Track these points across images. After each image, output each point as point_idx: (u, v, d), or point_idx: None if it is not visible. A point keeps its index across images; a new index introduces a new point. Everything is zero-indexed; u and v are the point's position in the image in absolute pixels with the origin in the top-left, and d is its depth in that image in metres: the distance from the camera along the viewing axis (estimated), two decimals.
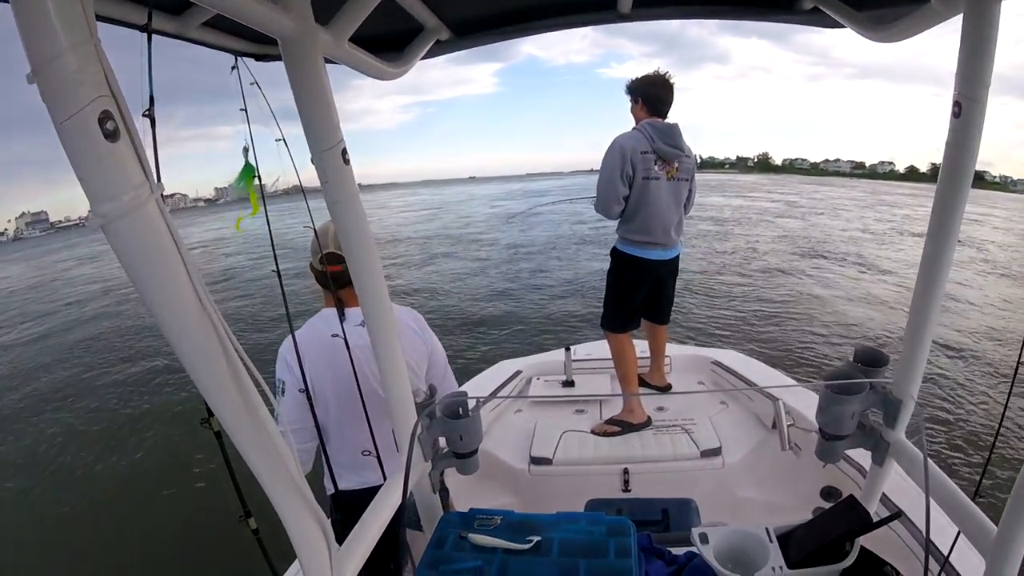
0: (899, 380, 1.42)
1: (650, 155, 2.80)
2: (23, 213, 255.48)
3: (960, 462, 4.63)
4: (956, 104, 1.14)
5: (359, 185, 1.20)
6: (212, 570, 3.76)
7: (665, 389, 3.30)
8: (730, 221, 23.66)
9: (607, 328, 3.09)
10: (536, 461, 2.70)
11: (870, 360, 1.51)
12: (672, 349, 3.58)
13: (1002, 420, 1.58)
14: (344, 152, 1.14)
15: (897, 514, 1.43)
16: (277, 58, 1.46)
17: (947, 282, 1.30)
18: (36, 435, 6.54)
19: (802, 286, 11.73)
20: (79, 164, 0.60)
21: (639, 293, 3.04)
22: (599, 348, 3.58)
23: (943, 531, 1.30)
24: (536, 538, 1.28)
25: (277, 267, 1.37)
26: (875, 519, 1.38)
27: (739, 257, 15.18)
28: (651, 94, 2.88)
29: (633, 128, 2.90)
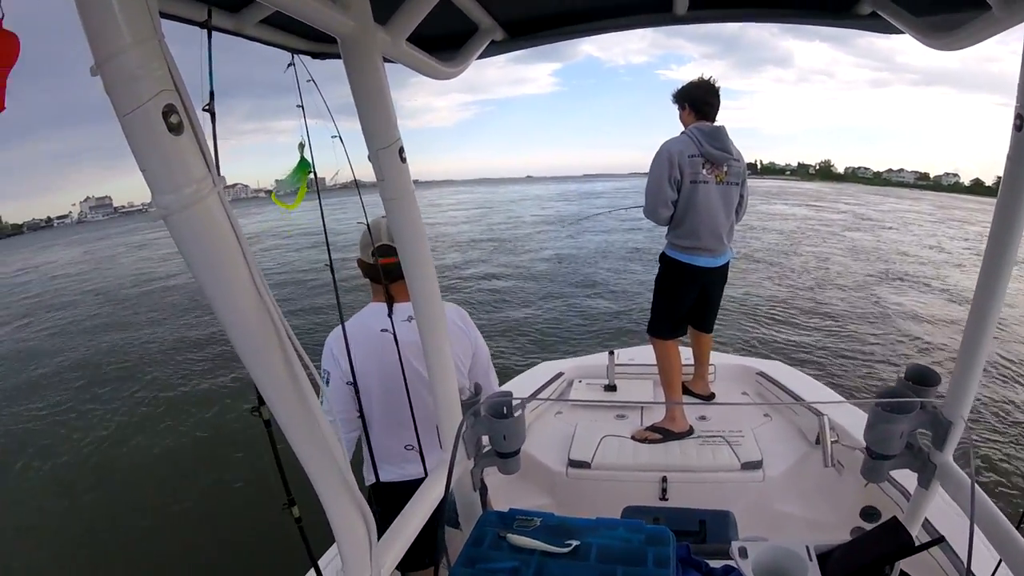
0: (950, 401, 1.36)
1: (698, 159, 2.78)
2: (87, 197, 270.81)
3: (1004, 489, 4.50)
4: (1018, 117, 1.09)
5: (415, 181, 1.21)
6: (252, 555, 3.86)
7: (708, 398, 3.25)
8: (797, 233, 22.36)
9: (653, 334, 3.06)
10: (574, 464, 2.69)
11: (921, 379, 1.45)
12: (717, 358, 3.53)
13: None
14: (401, 150, 1.16)
15: (939, 539, 1.39)
16: (334, 56, 1.48)
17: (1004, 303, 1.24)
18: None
19: (885, 318, 10.25)
20: (142, 156, 0.62)
21: (687, 300, 3.01)
22: (642, 353, 3.57)
23: (984, 560, 1.26)
24: (575, 542, 1.27)
25: (330, 259, 1.40)
26: (917, 543, 1.34)
27: (810, 278, 13.74)
28: (698, 99, 2.88)
29: (681, 133, 2.89)
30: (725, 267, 3.05)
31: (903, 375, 1.49)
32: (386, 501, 1.74)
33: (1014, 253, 1.19)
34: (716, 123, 2.89)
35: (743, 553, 1.35)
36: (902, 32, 1.42)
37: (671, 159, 2.77)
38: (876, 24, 1.49)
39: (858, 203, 42.42)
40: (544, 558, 1.24)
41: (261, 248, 22.53)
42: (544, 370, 3.64)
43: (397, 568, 1.15)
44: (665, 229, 3.02)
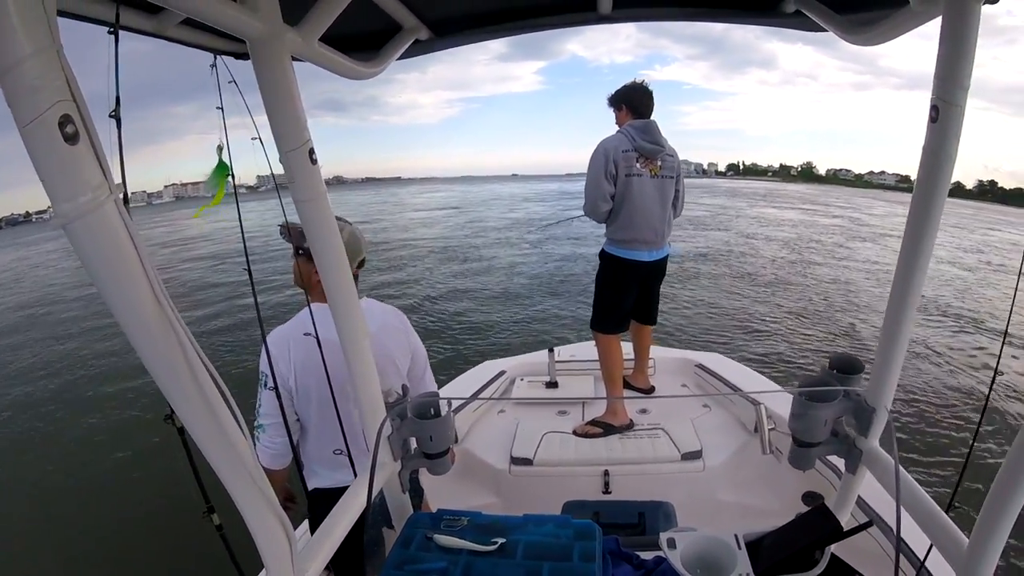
0: (873, 388, 1.41)
1: (632, 153, 2.87)
2: None
3: (937, 477, 4.60)
4: (933, 108, 1.12)
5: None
6: (181, 563, 3.75)
7: (648, 391, 3.33)
8: (798, 244, 19.25)
9: (596, 329, 3.12)
10: (517, 461, 2.71)
11: (846, 367, 1.49)
12: (656, 351, 3.60)
13: (976, 434, 1.54)
14: (311, 152, 1.15)
15: (867, 524, 1.41)
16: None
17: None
18: None
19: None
20: (40, 165, 0.62)
21: (628, 295, 3.08)
22: (583, 350, 3.62)
23: (918, 543, 1.31)
24: (501, 540, 1.28)
25: (249, 266, 1.39)
26: (848, 527, 1.38)
27: (846, 320, 10.02)
28: (633, 100, 2.99)
29: (616, 131, 2.98)
30: (663, 261, 3.13)
31: (828, 365, 1.53)
32: (319, 508, 1.72)
33: (932, 242, 1.23)
34: (648, 119, 2.98)
35: (671, 544, 1.37)
36: (825, 30, 1.46)
37: (607, 154, 2.87)
38: (799, 22, 1.53)
39: (849, 207, 41.33)
40: (472, 557, 1.25)
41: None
42: (487, 368, 3.66)
43: (334, 572, 1.14)
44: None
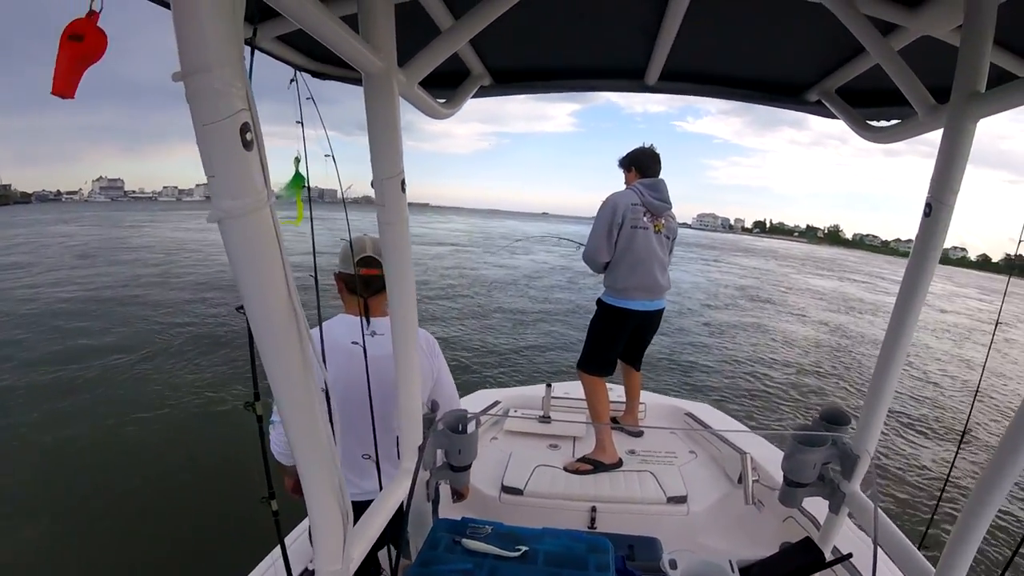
0: (858, 436, 1.58)
1: (639, 207, 3.04)
2: (100, 177, 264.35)
3: (914, 517, 4.97)
4: (928, 205, 1.34)
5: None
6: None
7: (638, 434, 3.42)
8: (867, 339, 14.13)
9: (582, 369, 3.22)
10: (507, 490, 2.77)
11: (834, 418, 1.66)
12: (648, 397, 3.71)
13: (948, 477, 1.68)
14: (403, 182, 1.27)
15: (848, 555, 1.60)
16: (334, 78, 1.64)
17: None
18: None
19: None
20: (214, 163, 0.68)
21: (619, 342, 3.20)
22: (578, 388, 3.66)
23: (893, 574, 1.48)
24: (523, 548, 1.36)
25: (316, 271, 1.46)
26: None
27: None
28: (642, 163, 3.19)
29: (626, 187, 3.17)
30: (660, 313, 3.28)
31: (818, 415, 1.70)
32: None
33: (918, 311, 1.44)
34: (657, 178, 3.16)
35: (673, 564, 1.49)
36: (838, 118, 1.72)
37: (615, 207, 3.03)
38: (819, 110, 1.77)
39: (894, 274, 38.91)
40: (496, 562, 1.33)
41: None
42: (481, 398, 3.74)
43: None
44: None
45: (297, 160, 1.42)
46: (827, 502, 1.67)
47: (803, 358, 11.43)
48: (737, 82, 1.85)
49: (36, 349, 8.69)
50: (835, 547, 1.76)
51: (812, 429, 1.64)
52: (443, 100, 1.66)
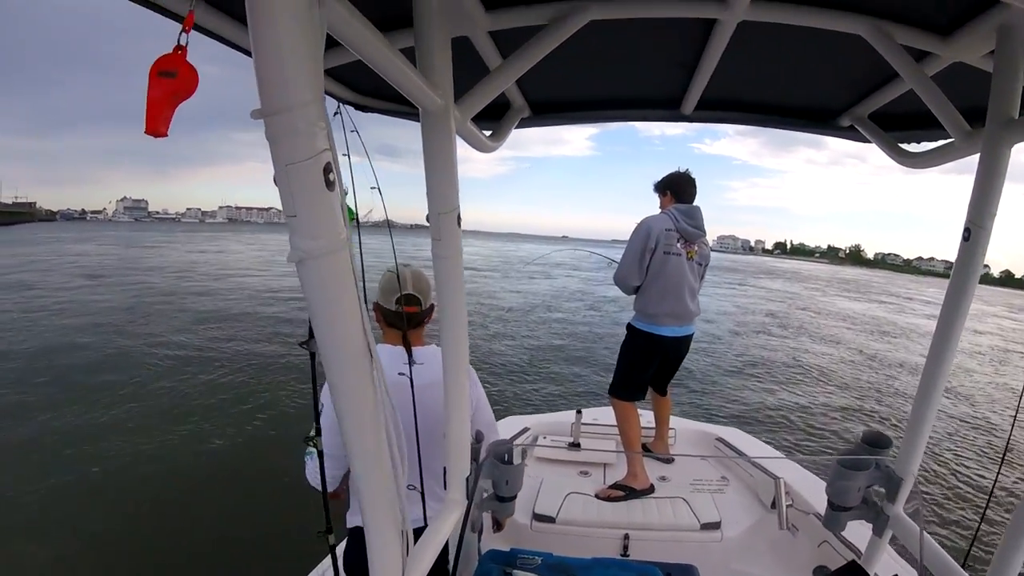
0: (901, 459, 1.57)
1: (673, 232, 3.04)
2: (124, 197, 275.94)
3: (957, 533, 4.91)
4: (966, 229, 1.35)
5: None
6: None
7: (668, 460, 3.38)
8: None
9: (614, 395, 3.20)
10: (539, 518, 2.74)
11: (876, 442, 1.66)
12: (677, 422, 3.68)
13: (992, 493, 1.65)
14: (459, 217, 1.28)
15: None
16: (376, 111, 1.69)
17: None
18: None
19: None
20: (296, 203, 0.68)
21: (650, 367, 3.19)
22: (607, 414, 3.66)
23: None
24: None
25: (364, 297, 1.50)
26: None
27: None
28: (677, 187, 3.19)
29: (661, 212, 3.17)
30: (688, 339, 3.26)
31: (860, 439, 1.70)
32: (361, 547, 1.74)
33: (959, 333, 1.43)
34: (692, 204, 3.17)
35: None
36: (871, 142, 1.74)
37: (649, 231, 3.04)
38: (852, 135, 1.79)
39: (927, 296, 39.48)
40: None
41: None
42: (510, 424, 3.71)
43: None
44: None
45: (345, 193, 1.44)
46: (868, 526, 1.66)
47: (841, 392, 10.85)
48: (771, 109, 1.88)
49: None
50: (876, 574, 1.74)
51: (854, 453, 1.64)
52: (488, 132, 1.70)
